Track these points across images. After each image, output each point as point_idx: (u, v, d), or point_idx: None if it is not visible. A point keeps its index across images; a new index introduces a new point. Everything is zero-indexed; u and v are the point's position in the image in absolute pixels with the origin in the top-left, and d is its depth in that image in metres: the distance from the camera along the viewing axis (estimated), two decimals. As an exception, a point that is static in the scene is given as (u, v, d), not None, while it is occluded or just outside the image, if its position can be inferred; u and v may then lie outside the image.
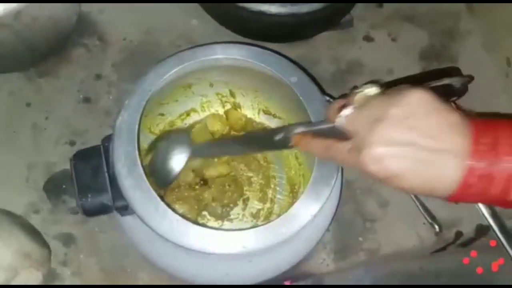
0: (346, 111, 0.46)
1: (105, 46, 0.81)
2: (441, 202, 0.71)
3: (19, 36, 0.70)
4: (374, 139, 0.43)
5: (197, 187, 0.69)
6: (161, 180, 0.60)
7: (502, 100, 0.81)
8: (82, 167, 0.57)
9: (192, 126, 0.72)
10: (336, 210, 0.64)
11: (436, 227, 0.72)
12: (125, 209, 0.55)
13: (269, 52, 0.61)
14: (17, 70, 0.78)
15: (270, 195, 0.72)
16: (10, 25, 0.67)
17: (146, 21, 0.83)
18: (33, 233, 0.67)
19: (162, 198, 0.53)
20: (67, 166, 0.58)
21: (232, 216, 0.70)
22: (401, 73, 0.80)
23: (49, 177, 0.71)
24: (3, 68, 0.77)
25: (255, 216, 0.70)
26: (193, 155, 0.60)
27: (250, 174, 0.72)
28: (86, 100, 0.77)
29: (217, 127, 0.72)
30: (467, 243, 0.72)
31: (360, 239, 0.72)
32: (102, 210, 0.56)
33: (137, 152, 0.54)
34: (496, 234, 0.71)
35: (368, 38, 0.85)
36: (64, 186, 0.69)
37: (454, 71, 0.71)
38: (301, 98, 0.58)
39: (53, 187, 0.70)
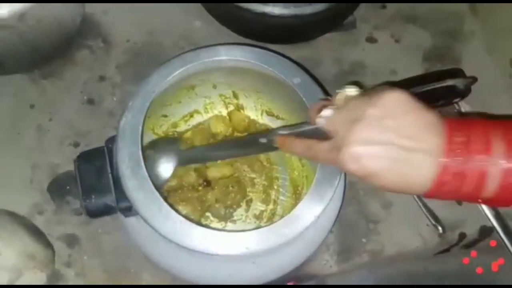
0: (326, 112, 0.48)
1: (109, 47, 0.82)
2: (444, 203, 0.73)
3: (24, 37, 0.70)
4: (352, 138, 0.44)
5: (200, 188, 0.69)
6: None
7: (505, 101, 0.80)
8: (86, 169, 0.57)
9: (184, 132, 0.73)
10: (339, 211, 0.64)
11: (440, 228, 0.72)
12: (129, 210, 0.55)
13: (272, 53, 0.62)
14: (21, 71, 0.78)
15: (273, 197, 0.72)
16: (15, 27, 0.68)
17: (149, 23, 0.83)
18: (37, 234, 0.67)
19: (165, 199, 0.53)
20: (71, 167, 0.58)
21: (235, 218, 0.70)
22: (404, 74, 0.80)
23: (53, 178, 0.71)
24: (7, 70, 0.77)
25: (258, 217, 0.70)
26: (180, 163, 0.62)
27: (253, 176, 0.72)
28: (90, 101, 0.78)
29: (220, 129, 0.72)
30: (471, 245, 0.72)
31: (364, 240, 0.72)
32: (106, 211, 0.56)
33: (140, 153, 0.54)
34: (500, 236, 0.71)
35: (371, 39, 0.85)
36: (68, 187, 0.70)
37: (457, 72, 0.71)
38: (304, 99, 0.58)
39: (57, 188, 0.70)
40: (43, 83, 0.78)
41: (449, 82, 0.68)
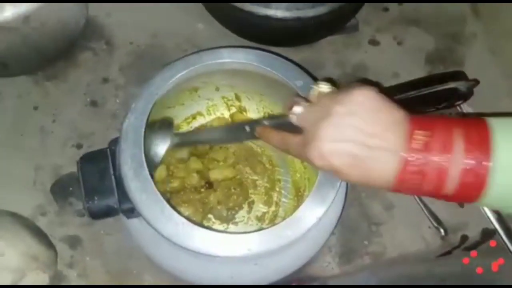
0: (297, 109, 0.49)
1: (112, 50, 0.82)
2: (446, 205, 0.73)
3: (27, 39, 0.71)
4: (318, 135, 0.45)
5: (202, 190, 0.69)
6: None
7: (507, 103, 0.80)
8: (88, 170, 0.57)
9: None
10: (341, 213, 0.64)
11: (442, 230, 0.72)
12: (131, 212, 0.56)
13: (274, 56, 0.62)
14: (25, 73, 0.79)
15: (275, 198, 0.72)
16: (19, 29, 0.68)
17: (152, 25, 0.84)
18: (40, 235, 0.67)
19: (168, 201, 0.53)
20: (74, 168, 0.59)
21: (237, 219, 0.70)
22: (406, 77, 0.80)
23: (56, 179, 0.71)
24: (11, 72, 0.77)
25: (260, 219, 0.71)
26: (173, 144, 0.63)
27: (255, 178, 0.72)
28: (93, 103, 0.78)
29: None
30: (473, 247, 0.72)
31: (365, 242, 0.72)
32: (109, 212, 0.56)
33: (143, 155, 0.55)
34: (502, 238, 0.71)
35: (373, 42, 0.85)
36: (70, 189, 0.69)
37: (459, 75, 0.71)
38: (306, 101, 0.58)
39: (60, 190, 0.70)
40: (47, 85, 0.79)
41: (451, 85, 0.68)
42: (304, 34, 0.79)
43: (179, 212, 0.53)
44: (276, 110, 0.71)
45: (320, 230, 0.61)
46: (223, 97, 0.71)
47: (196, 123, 0.73)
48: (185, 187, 0.69)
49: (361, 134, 0.44)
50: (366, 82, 0.48)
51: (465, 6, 0.89)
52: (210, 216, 0.70)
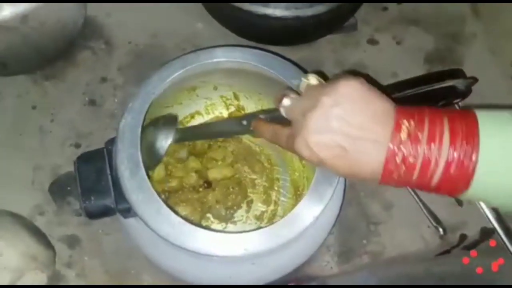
0: (285, 101, 0.49)
1: (111, 49, 0.82)
2: (445, 204, 0.73)
3: (26, 39, 0.71)
4: (305, 126, 0.45)
5: (200, 189, 0.69)
6: (149, 161, 0.62)
7: (506, 102, 0.80)
8: (85, 170, 0.57)
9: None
10: (340, 212, 0.64)
11: (441, 230, 0.72)
12: (128, 212, 0.56)
13: (272, 55, 0.62)
14: (24, 73, 0.79)
15: (274, 198, 0.72)
16: (17, 29, 0.68)
17: (151, 25, 0.84)
18: (38, 235, 0.67)
19: (165, 200, 0.53)
20: (72, 168, 0.58)
21: (236, 219, 0.70)
22: (405, 77, 0.79)
23: (54, 179, 0.72)
24: (10, 71, 0.77)
25: (259, 218, 0.70)
26: (177, 136, 0.63)
27: (254, 177, 0.72)
28: (92, 103, 0.78)
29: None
30: (472, 246, 0.72)
31: (364, 241, 0.72)
32: (105, 212, 0.56)
33: (140, 155, 0.55)
34: (501, 237, 0.71)
35: (372, 41, 0.85)
36: (69, 188, 0.70)
37: (458, 73, 0.71)
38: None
39: (58, 189, 0.71)
40: (45, 85, 0.79)
41: (450, 83, 0.68)
42: (303, 33, 0.79)
43: (176, 212, 0.53)
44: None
45: (318, 229, 0.61)
46: (221, 96, 0.71)
47: (194, 122, 0.73)
48: (183, 186, 0.69)
49: (347, 125, 0.44)
50: (354, 73, 0.47)
51: (465, 6, 0.88)
52: (208, 215, 0.70)
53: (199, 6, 0.83)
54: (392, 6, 0.88)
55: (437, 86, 0.67)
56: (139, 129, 0.56)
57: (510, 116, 0.42)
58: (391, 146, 0.42)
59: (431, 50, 0.85)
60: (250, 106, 0.72)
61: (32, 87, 0.78)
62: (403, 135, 0.42)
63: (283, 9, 0.74)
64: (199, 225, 0.53)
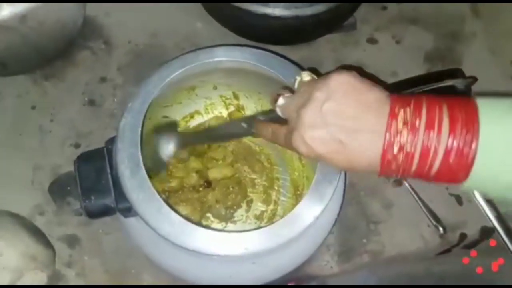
0: (280, 101, 0.49)
1: (110, 49, 0.82)
2: (445, 203, 0.73)
3: (25, 39, 0.71)
4: (299, 123, 0.45)
5: (201, 189, 0.69)
6: (154, 167, 0.62)
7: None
8: (85, 169, 0.57)
9: (198, 129, 0.73)
10: (340, 212, 0.64)
11: (441, 229, 0.72)
12: (128, 211, 0.56)
13: (272, 54, 0.62)
14: (23, 73, 0.79)
15: (273, 197, 0.72)
16: (17, 28, 0.68)
17: (151, 25, 0.84)
18: (38, 235, 0.67)
19: (165, 200, 0.53)
20: (72, 168, 0.58)
21: (235, 218, 0.70)
22: (405, 76, 0.80)
23: (54, 179, 0.71)
24: (9, 71, 0.77)
25: (258, 218, 0.70)
26: (179, 145, 0.64)
27: (254, 176, 0.72)
28: (91, 102, 0.78)
29: (221, 129, 0.73)
30: (472, 245, 0.72)
31: (364, 241, 0.72)
32: (106, 212, 0.56)
33: (140, 154, 0.55)
34: (501, 236, 0.71)
35: (372, 41, 0.85)
36: (68, 188, 0.69)
37: (457, 73, 0.71)
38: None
39: (58, 189, 0.70)
40: (45, 84, 0.79)
41: (449, 82, 0.68)
42: (302, 33, 0.79)
43: (176, 211, 0.53)
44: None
45: (318, 229, 0.61)
46: (221, 96, 0.71)
47: (194, 122, 0.73)
48: (183, 186, 0.69)
49: (340, 117, 0.43)
50: (347, 68, 0.47)
51: (465, 5, 0.88)
52: (208, 215, 0.70)
53: (198, 5, 0.83)
54: (391, 5, 0.88)
55: (437, 85, 0.67)
56: (139, 129, 0.56)
57: (511, 103, 0.41)
58: (387, 135, 0.42)
59: (431, 49, 0.85)
60: (250, 105, 0.72)
61: (32, 87, 0.78)
62: (399, 123, 0.42)
63: (283, 9, 0.74)
64: (199, 224, 0.53)
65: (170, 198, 0.67)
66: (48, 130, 0.76)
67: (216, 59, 0.61)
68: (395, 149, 0.42)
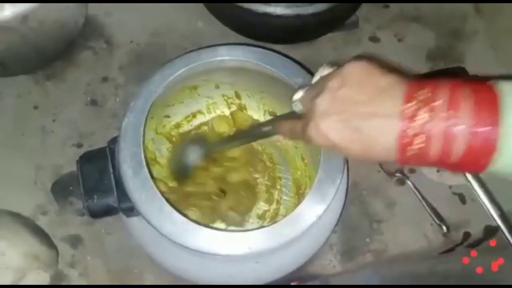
0: (296, 95, 0.49)
1: (112, 48, 0.82)
2: (449, 202, 0.73)
3: (26, 39, 0.71)
4: (314, 112, 0.44)
5: (214, 197, 0.69)
6: (179, 176, 0.66)
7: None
8: (88, 169, 0.57)
9: (187, 133, 0.73)
10: (342, 211, 0.64)
11: (444, 228, 0.72)
12: (131, 211, 0.56)
13: (274, 53, 0.62)
14: (25, 73, 0.79)
15: (276, 196, 0.72)
16: (18, 29, 0.68)
17: (152, 24, 0.84)
18: (41, 235, 0.67)
19: (167, 199, 0.53)
20: (75, 168, 0.58)
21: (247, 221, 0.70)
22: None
23: (57, 179, 0.72)
24: (10, 71, 0.77)
25: (261, 217, 0.70)
26: (206, 152, 0.66)
27: (256, 176, 0.72)
28: (93, 102, 0.78)
29: (224, 129, 0.72)
30: (475, 244, 0.72)
31: (367, 240, 0.72)
32: (108, 211, 0.56)
33: (142, 154, 0.54)
34: (505, 235, 0.70)
35: (374, 39, 0.85)
36: (71, 188, 0.70)
37: (459, 71, 0.71)
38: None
39: (61, 189, 0.71)
40: (47, 85, 0.79)
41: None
42: (304, 31, 0.79)
43: (180, 212, 0.53)
44: (277, 107, 0.70)
45: (321, 228, 0.61)
46: (223, 95, 0.71)
47: (196, 121, 0.73)
48: (196, 191, 0.68)
49: (354, 104, 0.42)
50: (363, 57, 0.46)
51: (467, 3, 0.88)
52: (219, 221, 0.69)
53: (199, 5, 0.83)
54: (393, 3, 0.87)
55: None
56: (142, 128, 0.56)
57: None
58: (403, 118, 0.39)
59: (433, 48, 0.84)
60: (252, 104, 0.72)
61: (34, 87, 0.78)
62: (417, 105, 0.39)
63: (284, 8, 0.73)
64: (202, 223, 0.53)
65: (180, 202, 0.67)
66: (50, 130, 0.76)
67: (218, 58, 0.61)
68: (413, 133, 0.39)
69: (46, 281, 0.65)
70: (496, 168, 0.39)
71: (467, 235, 0.72)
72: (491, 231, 0.72)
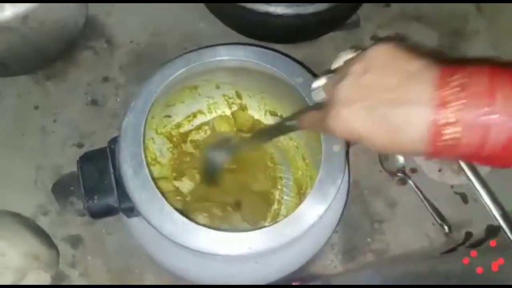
0: (316, 83, 0.46)
1: (112, 48, 0.82)
2: (450, 202, 0.72)
3: (27, 39, 0.70)
4: (336, 99, 0.41)
5: (229, 208, 0.68)
6: (207, 179, 0.66)
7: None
8: (88, 169, 0.57)
9: (188, 133, 0.73)
10: (343, 210, 0.64)
11: (446, 227, 0.71)
12: (131, 211, 0.55)
13: (274, 53, 0.61)
14: (25, 73, 0.79)
15: (277, 196, 0.71)
16: (18, 29, 0.68)
17: (153, 24, 0.84)
18: (41, 235, 0.67)
19: (167, 199, 0.53)
20: (75, 168, 0.58)
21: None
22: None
23: (57, 179, 0.72)
24: (11, 71, 0.77)
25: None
26: (232, 153, 0.65)
27: (273, 189, 0.72)
28: (94, 102, 0.78)
29: (225, 129, 0.72)
30: (477, 244, 0.72)
31: (368, 240, 0.71)
32: (109, 212, 0.56)
33: (142, 154, 0.54)
34: (507, 235, 0.70)
35: (375, 38, 0.84)
36: (71, 188, 0.70)
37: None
38: (306, 99, 0.58)
39: (61, 189, 0.71)
40: (47, 85, 0.79)
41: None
42: (304, 31, 0.79)
43: (183, 213, 0.53)
44: (278, 107, 0.70)
45: (322, 228, 0.61)
46: (224, 95, 0.71)
47: (197, 121, 0.73)
48: (213, 199, 0.69)
49: (380, 90, 0.38)
50: (391, 39, 0.43)
51: (468, 3, 0.88)
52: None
53: (200, 4, 0.82)
54: (394, 3, 0.87)
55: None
56: (142, 128, 0.56)
57: None
58: (435, 105, 0.36)
59: (434, 47, 0.84)
60: (253, 104, 0.72)
61: (34, 87, 0.78)
62: (450, 92, 0.36)
63: (285, 7, 0.73)
64: (202, 223, 0.52)
65: (193, 205, 0.67)
66: (51, 130, 0.76)
67: (218, 58, 0.60)
68: (445, 121, 0.35)
69: (46, 281, 0.65)
70: None
71: (469, 235, 0.72)
72: (493, 231, 0.72)
